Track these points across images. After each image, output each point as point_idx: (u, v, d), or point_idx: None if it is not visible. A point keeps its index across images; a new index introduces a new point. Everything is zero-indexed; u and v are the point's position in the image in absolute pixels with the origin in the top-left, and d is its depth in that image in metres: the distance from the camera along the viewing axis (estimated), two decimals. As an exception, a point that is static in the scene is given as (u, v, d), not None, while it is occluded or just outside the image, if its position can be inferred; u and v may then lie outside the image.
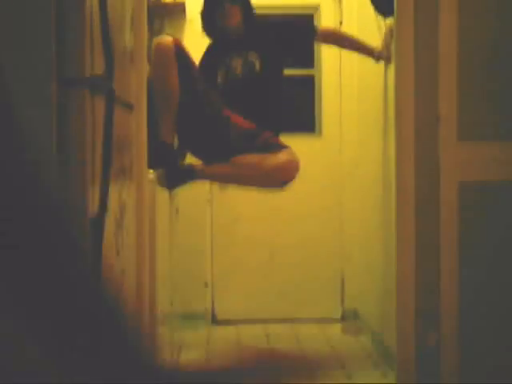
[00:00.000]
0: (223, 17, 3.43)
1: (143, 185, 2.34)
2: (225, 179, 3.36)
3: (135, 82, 2.21)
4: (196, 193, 4.32)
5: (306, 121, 4.51)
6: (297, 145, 3.38)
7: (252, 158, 3.12)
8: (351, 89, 4.38)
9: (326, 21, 4.43)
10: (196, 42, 4.42)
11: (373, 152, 3.98)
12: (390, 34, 3.48)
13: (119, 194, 1.86)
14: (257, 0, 4.05)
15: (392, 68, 3.56)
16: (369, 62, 3.63)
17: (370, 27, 3.74)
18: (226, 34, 3.47)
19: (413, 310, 2.77)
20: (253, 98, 3.43)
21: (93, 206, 1.53)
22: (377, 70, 3.77)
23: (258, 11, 4.30)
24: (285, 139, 3.36)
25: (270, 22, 3.65)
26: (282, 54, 3.54)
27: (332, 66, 4.42)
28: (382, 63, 3.68)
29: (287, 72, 3.74)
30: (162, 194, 2.85)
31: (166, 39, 3.25)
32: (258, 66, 3.46)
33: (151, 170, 2.60)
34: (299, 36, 3.55)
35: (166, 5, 4.25)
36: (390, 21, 3.40)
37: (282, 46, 3.49)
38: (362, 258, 4.21)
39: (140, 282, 2.26)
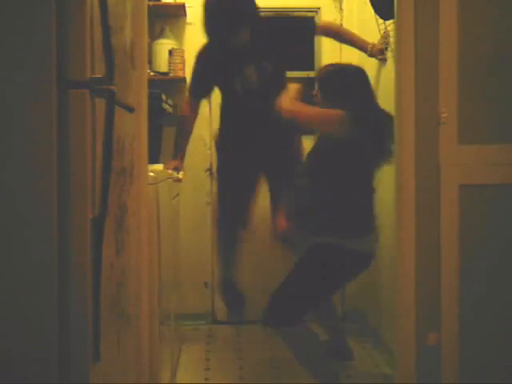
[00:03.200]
0: (234, 38, 3.42)
1: (143, 186, 2.35)
2: None
3: (136, 84, 2.22)
4: (196, 195, 4.33)
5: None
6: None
7: None
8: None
9: (326, 23, 4.45)
10: (197, 44, 4.43)
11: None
12: (386, 37, 3.51)
13: (119, 195, 1.87)
14: (257, 2, 4.07)
15: (386, 68, 3.58)
16: (367, 64, 3.64)
17: (370, 30, 3.75)
18: (235, 45, 3.46)
19: (413, 310, 2.78)
20: (264, 104, 3.44)
21: (93, 206, 1.54)
22: (375, 72, 3.78)
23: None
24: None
25: (274, 25, 3.64)
26: (287, 55, 3.55)
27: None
28: (376, 62, 3.70)
29: (288, 74, 3.76)
30: (164, 196, 2.86)
31: None
32: (269, 73, 3.48)
33: (151, 173, 2.61)
34: (302, 33, 3.57)
35: (167, 6, 4.26)
36: (389, 24, 3.42)
37: (287, 46, 3.51)
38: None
39: (140, 282, 2.27)
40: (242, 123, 3.56)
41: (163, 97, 3.64)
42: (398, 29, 2.78)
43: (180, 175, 3.51)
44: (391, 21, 3.25)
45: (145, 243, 2.34)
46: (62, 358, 1.48)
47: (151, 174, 2.56)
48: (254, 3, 3.47)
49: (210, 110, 4.19)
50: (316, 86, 3.16)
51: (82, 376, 1.50)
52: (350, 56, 4.43)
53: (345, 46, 4.44)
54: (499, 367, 2.76)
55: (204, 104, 4.08)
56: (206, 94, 3.69)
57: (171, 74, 4.23)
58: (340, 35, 3.71)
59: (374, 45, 3.58)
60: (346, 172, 2.96)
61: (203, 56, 3.59)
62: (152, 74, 4.07)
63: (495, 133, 2.76)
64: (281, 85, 3.50)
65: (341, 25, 4.41)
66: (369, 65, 3.73)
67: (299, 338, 3.00)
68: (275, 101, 3.19)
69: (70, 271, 1.49)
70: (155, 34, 4.29)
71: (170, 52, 4.22)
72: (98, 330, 1.55)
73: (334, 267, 2.94)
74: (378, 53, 3.57)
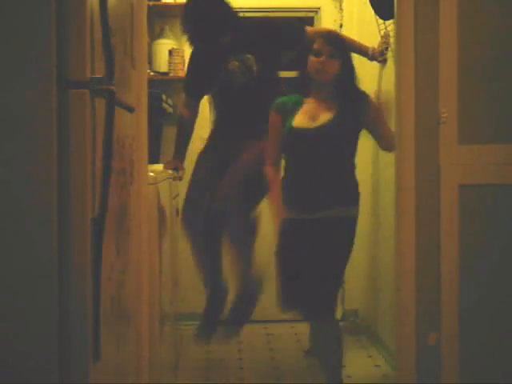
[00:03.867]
0: (216, 33, 3.38)
1: (143, 186, 2.35)
2: None
3: (136, 84, 2.23)
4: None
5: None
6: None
7: None
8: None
9: (326, 23, 4.45)
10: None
11: (373, 152, 4.00)
12: (386, 37, 3.50)
13: (119, 195, 1.87)
14: (257, 2, 4.08)
15: (387, 70, 3.57)
16: (365, 64, 3.64)
17: (370, 30, 3.75)
18: (218, 43, 3.43)
19: (413, 310, 2.78)
20: (252, 101, 3.44)
21: (93, 206, 1.54)
22: (373, 72, 3.79)
23: (258, 13, 4.31)
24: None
25: (262, 23, 3.62)
26: (276, 55, 3.53)
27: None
28: (377, 64, 3.70)
29: (286, 74, 3.75)
30: (163, 196, 2.86)
31: None
32: (255, 69, 3.45)
33: (151, 173, 2.61)
34: (290, 37, 3.53)
35: (167, 6, 4.26)
36: (389, 24, 3.42)
37: (276, 47, 3.49)
38: (362, 258, 4.22)
39: (140, 282, 2.27)
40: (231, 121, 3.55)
41: (163, 97, 3.65)
42: (398, 29, 2.78)
43: (180, 174, 3.51)
44: (391, 21, 3.25)
45: (145, 243, 2.34)
46: (62, 357, 1.48)
47: (151, 174, 2.56)
48: (231, 8, 3.43)
49: (210, 110, 4.18)
50: (318, 50, 2.99)
51: (82, 376, 1.50)
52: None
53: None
54: (499, 367, 2.76)
55: (204, 104, 4.07)
56: (202, 93, 3.66)
57: (171, 74, 4.23)
58: None
59: (374, 48, 3.57)
60: (340, 150, 2.99)
61: (195, 56, 3.58)
62: (152, 74, 4.07)
63: (495, 133, 2.76)
64: (272, 84, 3.49)
65: (340, 26, 4.41)
66: (371, 65, 3.73)
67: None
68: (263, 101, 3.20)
69: (69, 271, 1.49)
70: (155, 34, 4.29)
71: (170, 52, 4.23)
72: (98, 329, 1.55)
73: (341, 238, 2.96)
74: (379, 55, 3.57)
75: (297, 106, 3.04)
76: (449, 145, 2.75)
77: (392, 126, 2.97)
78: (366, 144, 3.94)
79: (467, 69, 2.74)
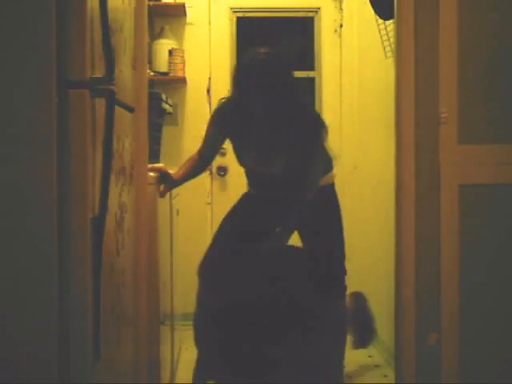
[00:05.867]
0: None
1: (143, 186, 2.35)
2: None
3: (136, 84, 2.23)
4: (196, 195, 4.33)
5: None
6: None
7: None
8: (351, 91, 4.40)
9: (326, 23, 4.45)
10: (196, 44, 4.44)
11: (373, 153, 4.00)
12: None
13: (119, 195, 1.87)
14: (257, 2, 4.08)
15: (386, 69, 3.57)
16: (369, 63, 3.65)
17: (370, 30, 3.76)
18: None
19: (413, 310, 2.78)
20: None
21: (93, 206, 1.54)
22: (377, 73, 3.78)
23: (258, 13, 4.32)
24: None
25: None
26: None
27: (333, 68, 4.44)
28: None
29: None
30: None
31: None
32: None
33: (152, 173, 2.61)
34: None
35: (167, 6, 4.26)
36: (389, 24, 3.42)
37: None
38: (362, 258, 4.22)
39: (139, 282, 2.27)
40: None
41: (163, 97, 3.65)
42: (398, 29, 2.78)
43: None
44: (391, 21, 3.25)
45: (144, 243, 2.34)
46: (62, 357, 1.48)
47: (151, 174, 2.56)
48: None
49: (210, 110, 4.19)
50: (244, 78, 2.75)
51: (82, 376, 1.50)
52: (351, 55, 4.44)
53: (345, 45, 4.45)
54: (499, 367, 2.77)
55: (204, 105, 4.08)
56: None
57: (171, 74, 4.23)
58: None
59: None
60: None
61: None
62: (152, 73, 4.07)
63: (495, 133, 2.76)
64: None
65: (340, 26, 4.42)
66: (375, 65, 3.73)
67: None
68: None
69: (70, 271, 1.49)
70: (155, 34, 4.30)
71: (170, 52, 4.23)
72: (97, 329, 1.55)
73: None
74: None
75: (238, 130, 2.89)
76: (449, 145, 2.75)
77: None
78: (380, 143, 3.94)
79: (467, 69, 2.74)
